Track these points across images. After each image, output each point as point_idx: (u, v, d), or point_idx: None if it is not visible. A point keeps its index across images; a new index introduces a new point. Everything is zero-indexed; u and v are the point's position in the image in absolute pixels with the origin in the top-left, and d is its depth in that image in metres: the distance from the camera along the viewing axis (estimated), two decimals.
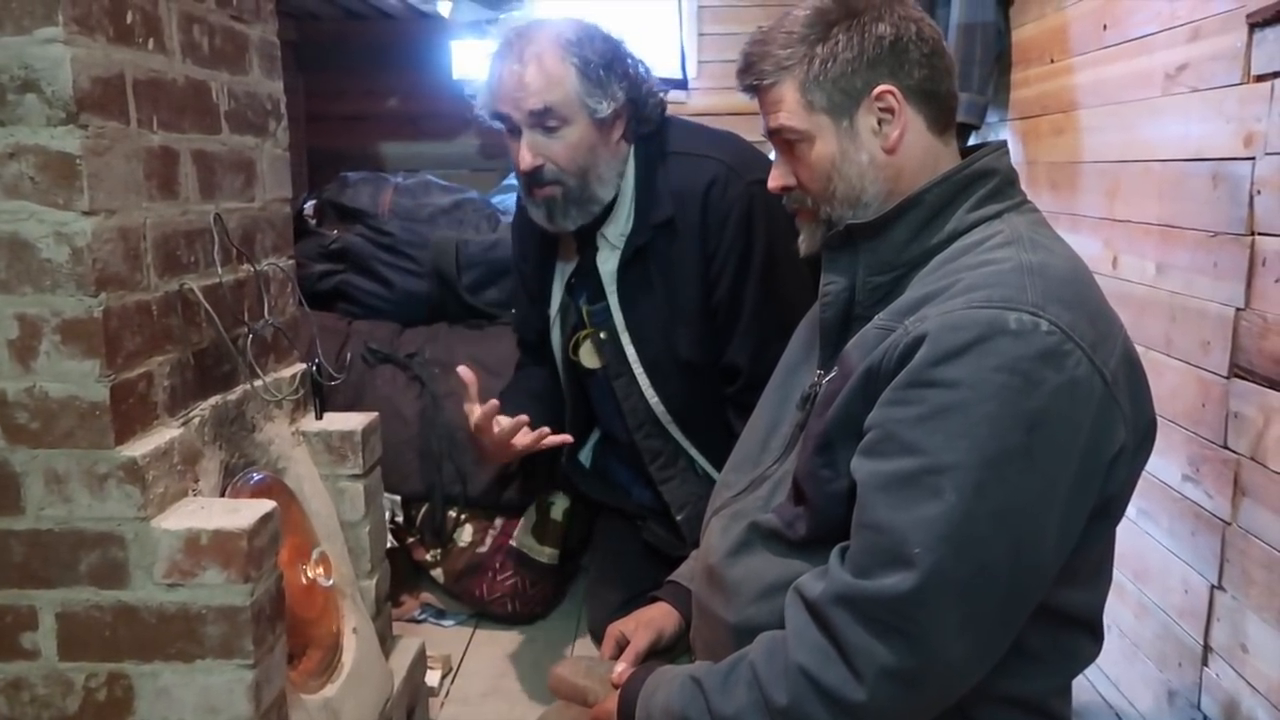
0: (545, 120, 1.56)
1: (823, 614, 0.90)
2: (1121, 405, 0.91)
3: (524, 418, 1.56)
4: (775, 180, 1.09)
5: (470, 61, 3.13)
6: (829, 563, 0.94)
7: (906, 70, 1.01)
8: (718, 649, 1.06)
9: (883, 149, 1.02)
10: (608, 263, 1.68)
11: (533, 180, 1.60)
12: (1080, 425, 0.88)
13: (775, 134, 1.06)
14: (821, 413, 1.00)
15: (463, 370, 1.58)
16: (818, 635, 0.91)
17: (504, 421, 1.55)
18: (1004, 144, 1.07)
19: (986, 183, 1.01)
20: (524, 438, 1.56)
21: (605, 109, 1.57)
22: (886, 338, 0.94)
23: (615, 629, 1.27)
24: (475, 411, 1.57)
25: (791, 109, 1.02)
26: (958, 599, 0.86)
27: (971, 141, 2.30)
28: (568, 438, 1.64)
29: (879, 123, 1.01)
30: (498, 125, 1.63)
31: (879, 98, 1.00)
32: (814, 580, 0.94)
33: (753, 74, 1.05)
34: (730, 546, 1.08)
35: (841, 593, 0.89)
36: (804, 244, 1.10)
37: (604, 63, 1.57)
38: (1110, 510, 0.96)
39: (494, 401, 1.57)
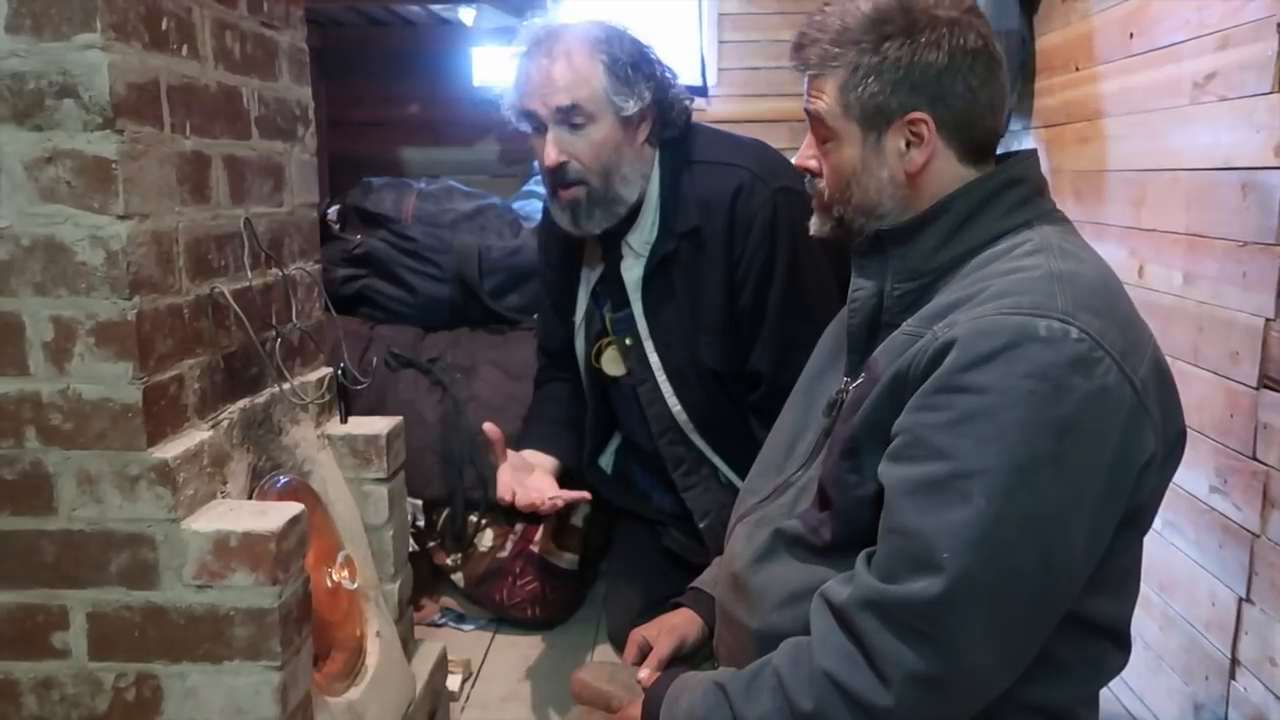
0: (572, 117, 1.56)
1: (849, 619, 0.90)
2: (1151, 413, 0.90)
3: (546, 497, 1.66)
4: (801, 159, 1.08)
5: (491, 68, 3.15)
6: (855, 568, 0.93)
7: (946, 102, 0.98)
8: (741, 655, 1.06)
9: (905, 171, 1.01)
10: (632, 271, 1.68)
11: (557, 179, 1.60)
12: (1110, 433, 0.87)
13: (810, 117, 1.05)
14: (848, 418, 0.99)
15: (489, 427, 1.64)
16: (844, 640, 0.90)
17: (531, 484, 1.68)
18: (1033, 152, 1.06)
19: (1016, 191, 1.01)
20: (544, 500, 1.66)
21: (632, 108, 1.58)
22: (915, 343, 0.94)
23: (638, 634, 1.27)
24: (505, 476, 1.66)
25: (829, 105, 1.02)
26: (986, 605, 0.86)
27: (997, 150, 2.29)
28: (586, 495, 1.72)
29: (906, 144, 1.00)
30: (524, 126, 1.63)
31: (911, 123, 0.99)
32: (840, 585, 0.94)
33: (800, 58, 1.04)
34: (755, 553, 1.08)
35: (869, 597, 0.89)
36: (813, 226, 1.10)
37: (631, 62, 1.58)
38: (1139, 519, 0.95)
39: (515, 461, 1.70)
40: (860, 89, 0.99)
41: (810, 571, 1.01)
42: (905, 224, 1.01)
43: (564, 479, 1.78)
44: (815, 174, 1.07)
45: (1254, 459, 1.42)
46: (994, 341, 0.87)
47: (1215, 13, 1.54)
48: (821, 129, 1.04)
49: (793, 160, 1.11)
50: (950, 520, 0.86)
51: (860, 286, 1.06)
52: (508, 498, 1.64)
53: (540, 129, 1.59)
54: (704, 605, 1.26)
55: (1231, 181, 1.49)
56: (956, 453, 0.86)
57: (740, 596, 1.09)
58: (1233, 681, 1.47)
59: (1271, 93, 1.39)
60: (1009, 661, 0.89)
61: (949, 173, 1.01)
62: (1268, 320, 1.39)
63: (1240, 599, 1.45)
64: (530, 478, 1.70)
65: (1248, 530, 1.44)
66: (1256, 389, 1.41)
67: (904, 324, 0.99)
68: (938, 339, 0.91)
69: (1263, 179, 1.41)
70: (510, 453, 1.68)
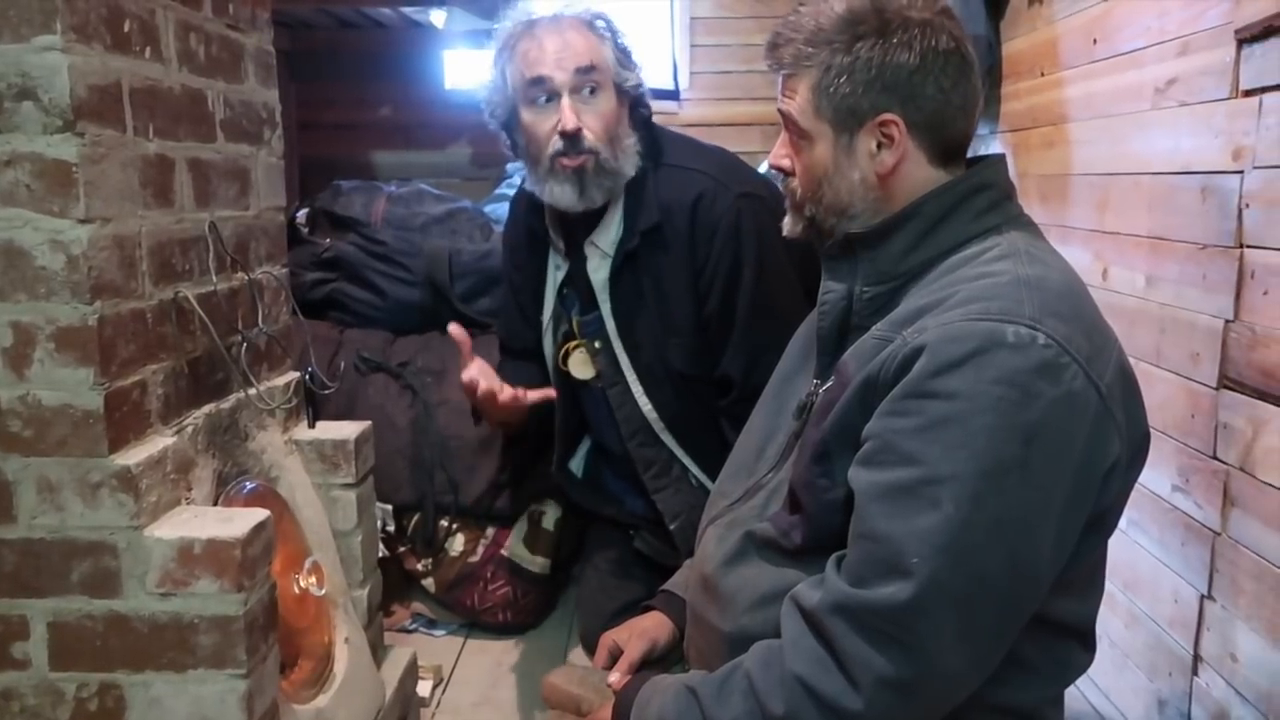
0: (590, 78, 1.58)
1: (820, 623, 0.90)
2: (1116, 418, 0.91)
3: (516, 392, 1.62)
4: (774, 158, 1.09)
5: (463, 71, 3.14)
6: (825, 572, 0.94)
7: (917, 104, 0.99)
8: (712, 658, 1.06)
9: (876, 173, 1.01)
10: (599, 271, 1.68)
11: (570, 146, 1.58)
12: (1076, 438, 0.88)
13: (783, 116, 1.05)
14: (818, 422, 1.00)
15: (454, 329, 1.62)
16: (814, 644, 0.91)
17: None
18: (1002, 157, 1.08)
19: (985, 196, 1.02)
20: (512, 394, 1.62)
21: (631, 82, 1.63)
22: (884, 348, 0.94)
23: (609, 638, 1.27)
24: (473, 368, 1.62)
25: (801, 105, 1.02)
26: (955, 609, 0.86)
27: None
28: (551, 392, 1.70)
29: (878, 146, 1.00)
30: (522, 105, 1.61)
31: (882, 124, 0.99)
32: (810, 589, 0.94)
33: (774, 57, 1.04)
34: (725, 555, 1.08)
35: (839, 602, 0.90)
36: (786, 226, 1.10)
37: (626, 41, 1.64)
38: (1104, 522, 0.96)
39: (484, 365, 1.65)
40: (832, 89, 0.99)
41: (781, 574, 1.02)
42: (875, 227, 1.02)
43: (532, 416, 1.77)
44: (789, 173, 1.07)
45: (1214, 458, 1.44)
46: (963, 347, 0.88)
47: (1175, 19, 1.57)
48: (794, 129, 1.04)
49: (765, 160, 1.11)
50: (919, 526, 0.86)
51: (830, 289, 1.06)
52: (471, 375, 1.61)
53: (553, 97, 1.58)
54: (674, 608, 1.27)
55: (1192, 185, 1.52)
56: (926, 458, 0.87)
57: (711, 599, 1.09)
58: (1195, 677, 1.49)
59: (1230, 98, 1.42)
60: (978, 664, 0.90)
61: (920, 175, 1.02)
62: (1227, 322, 1.41)
63: (1202, 596, 1.47)
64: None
65: (1209, 528, 1.46)
66: (1216, 389, 1.44)
67: (873, 327, 0.99)
68: (907, 344, 0.91)
69: (1221, 183, 1.43)
70: (479, 360, 1.67)
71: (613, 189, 1.63)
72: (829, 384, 1.02)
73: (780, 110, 1.05)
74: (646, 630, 1.25)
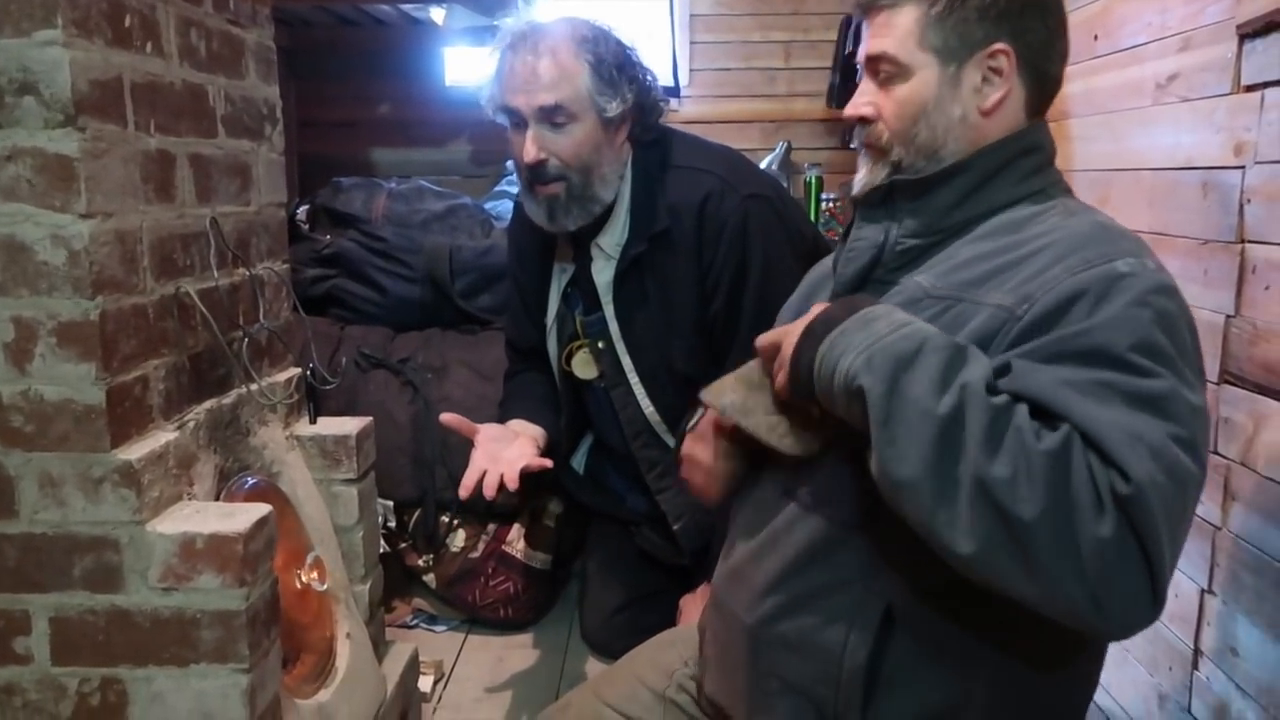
0: (554, 116, 1.55)
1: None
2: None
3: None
4: (855, 108, 1.03)
5: (463, 68, 3.14)
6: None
7: (1027, 39, 0.98)
8: (731, 650, 1.05)
9: (978, 109, 0.98)
10: (603, 273, 1.68)
11: (535, 176, 1.59)
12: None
13: (873, 61, 1.02)
14: None
15: (446, 418, 1.56)
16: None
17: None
18: (1045, 122, 1.05)
19: (1034, 158, 1.01)
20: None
21: (614, 109, 1.57)
22: (951, 309, 0.92)
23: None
24: (479, 445, 1.57)
25: (901, 38, 0.98)
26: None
27: None
28: (547, 463, 1.60)
29: (983, 80, 0.98)
30: (503, 120, 1.61)
31: (993, 55, 0.97)
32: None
33: None
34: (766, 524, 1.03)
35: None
36: (859, 182, 1.05)
37: (616, 64, 1.57)
38: None
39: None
40: (946, 15, 0.97)
41: (825, 541, 0.98)
42: (921, 178, 1.00)
43: (547, 453, 1.71)
44: (870, 120, 1.03)
45: (1215, 453, 1.44)
46: (1086, 298, 0.85)
47: (1176, 15, 1.57)
48: (888, 66, 1.00)
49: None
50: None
51: (861, 237, 1.03)
52: (470, 485, 1.50)
53: (520, 124, 1.58)
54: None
55: (1192, 181, 1.52)
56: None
57: (739, 582, 1.05)
58: (1195, 672, 1.49)
59: (1231, 94, 1.42)
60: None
61: (1014, 119, 1.00)
62: (1228, 317, 1.41)
63: (1202, 590, 1.48)
64: (510, 447, 1.60)
65: (1209, 523, 1.46)
66: (1217, 384, 1.44)
67: (917, 282, 0.97)
68: (1017, 318, 0.87)
69: (1222, 178, 1.43)
70: (487, 426, 1.61)
71: (586, 214, 1.62)
72: None
73: (868, 54, 1.02)
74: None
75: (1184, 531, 0.82)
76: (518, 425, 1.71)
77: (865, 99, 1.03)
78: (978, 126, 0.99)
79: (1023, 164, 1.00)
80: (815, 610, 0.97)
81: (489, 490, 1.50)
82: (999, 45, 0.97)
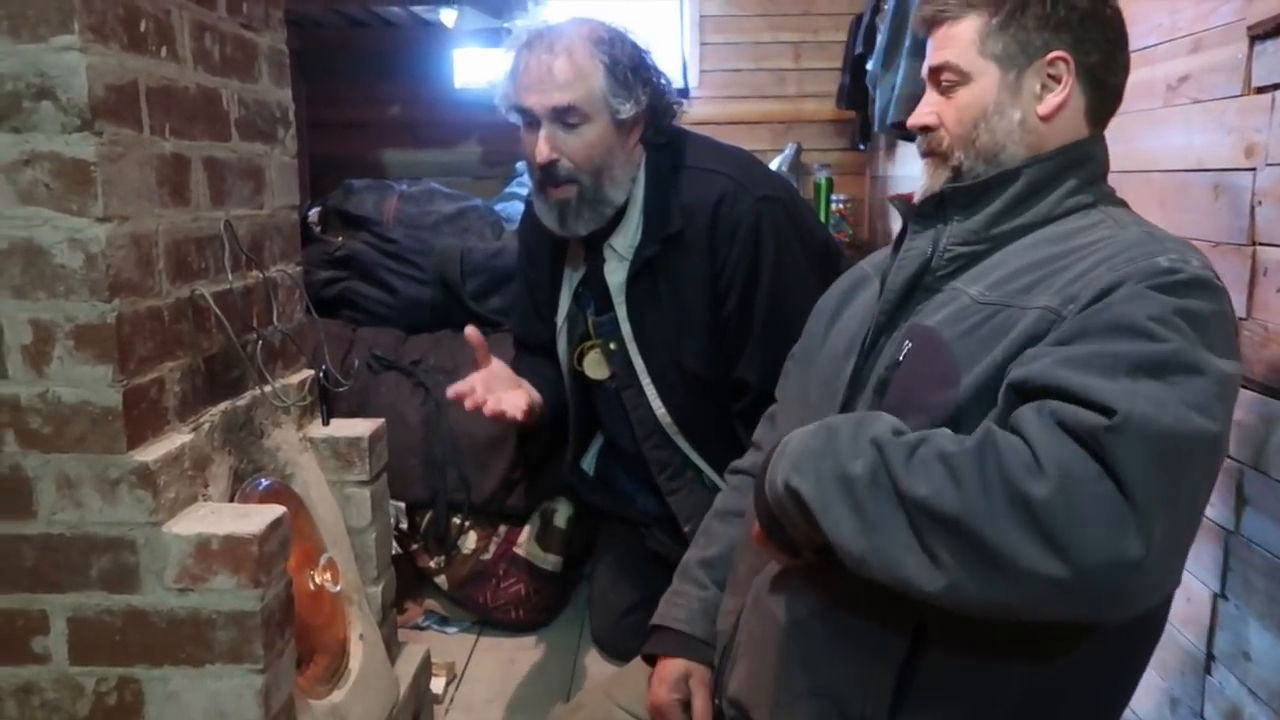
0: (568, 116, 1.55)
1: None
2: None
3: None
4: (919, 117, 1.06)
5: (473, 70, 3.15)
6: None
7: (1085, 48, 1.00)
8: (765, 647, 1.04)
9: (1037, 114, 1.01)
10: (615, 274, 1.68)
11: (547, 177, 1.59)
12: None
13: (935, 71, 1.04)
14: (913, 385, 0.95)
15: (470, 332, 1.56)
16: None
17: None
18: (1102, 134, 1.06)
19: (1085, 170, 1.02)
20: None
21: (627, 111, 1.57)
22: (997, 315, 0.93)
23: (666, 705, 1.17)
24: (476, 378, 1.58)
25: (963, 47, 1.02)
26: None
27: None
28: (520, 416, 1.58)
29: (1042, 87, 1.01)
30: (516, 119, 1.62)
31: (1051, 63, 1.00)
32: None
33: (938, 3, 1.04)
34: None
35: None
36: (921, 188, 1.07)
37: (631, 66, 1.58)
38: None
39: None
40: (1006, 25, 1.00)
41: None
42: (971, 185, 1.01)
43: (535, 426, 1.73)
44: (933, 128, 1.05)
45: (1228, 457, 1.44)
46: (1124, 286, 0.87)
47: (1187, 16, 1.57)
48: (949, 75, 1.03)
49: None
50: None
51: (912, 247, 1.05)
52: (458, 390, 1.54)
53: (533, 124, 1.58)
54: (689, 648, 1.20)
55: (1203, 183, 1.51)
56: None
57: (781, 583, 1.04)
58: (1208, 676, 1.49)
59: (1242, 95, 1.41)
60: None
61: (1072, 129, 1.02)
62: (1240, 320, 1.41)
63: (1215, 595, 1.47)
64: (509, 392, 1.60)
65: (1222, 527, 1.46)
66: None
67: (963, 287, 0.99)
68: (1064, 319, 0.89)
69: (1233, 180, 1.43)
70: (499, 362, 1.62)
71: (598, 217, 1.63)
72: (909, 348, 0.99)
73: (931, 66, 1.05)
74: (689, 676, 1.18)
75: (1193, 486, 0.80)
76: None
77: (928, 108, 1.06)
78: (1036, 131, 1.01)
79: (1073, 175, 1.02)
80: (853, 615, 0.97)
81: (469, 404, 1.53)
82: (1058, 53, 1.00)
